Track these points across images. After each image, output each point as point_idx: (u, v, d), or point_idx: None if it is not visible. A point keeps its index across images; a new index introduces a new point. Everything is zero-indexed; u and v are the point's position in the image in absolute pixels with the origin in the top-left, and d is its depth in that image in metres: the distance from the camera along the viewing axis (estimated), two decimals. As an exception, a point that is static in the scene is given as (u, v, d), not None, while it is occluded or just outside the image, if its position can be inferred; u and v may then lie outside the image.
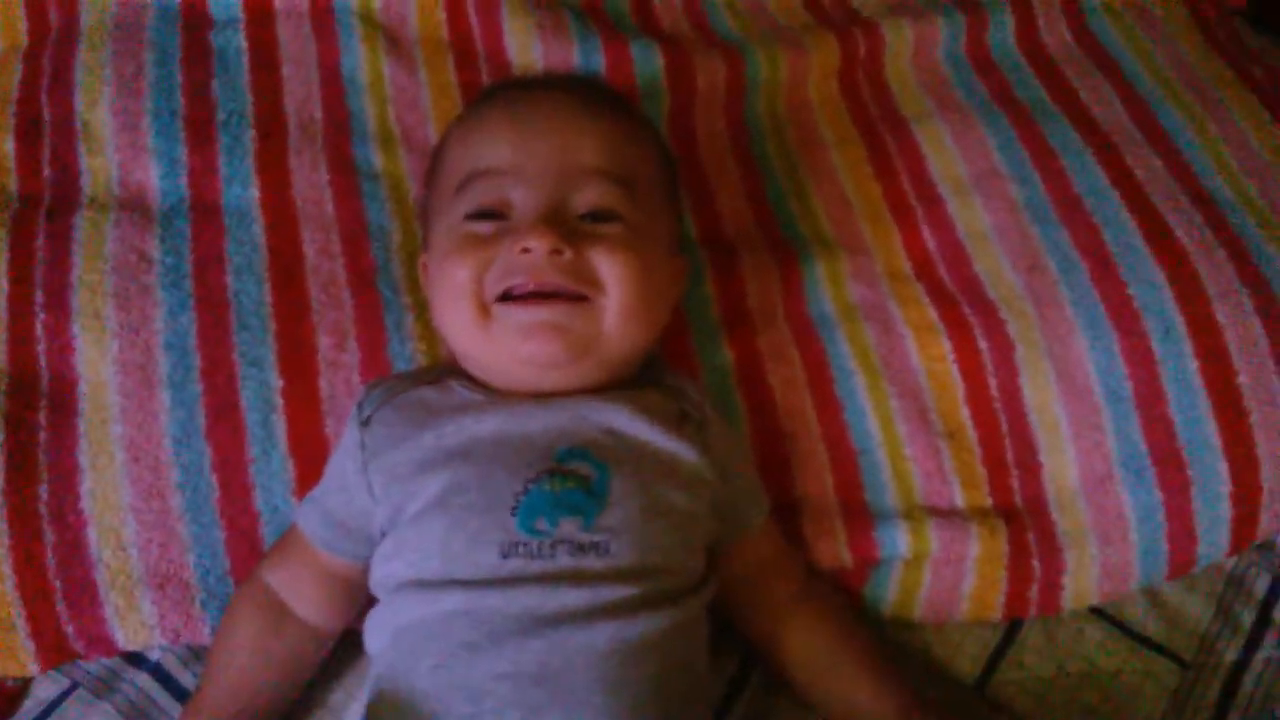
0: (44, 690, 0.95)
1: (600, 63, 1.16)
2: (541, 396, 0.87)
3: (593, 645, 0.78)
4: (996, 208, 1.11)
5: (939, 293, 1.08)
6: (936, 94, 1.22)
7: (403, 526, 0.84)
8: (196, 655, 0.97)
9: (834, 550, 0.99)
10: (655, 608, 0.81)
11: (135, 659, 0.97)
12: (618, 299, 0.85)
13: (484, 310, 0.85)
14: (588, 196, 0.87)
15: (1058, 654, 1.02)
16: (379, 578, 0.86)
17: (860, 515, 1.00)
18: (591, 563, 0.80)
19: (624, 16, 1.26)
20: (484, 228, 0.86)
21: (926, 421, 1.03)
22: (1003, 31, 1.26)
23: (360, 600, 0.91)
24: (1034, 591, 1.01)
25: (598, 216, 0.87)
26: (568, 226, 0.85)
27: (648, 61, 1.16)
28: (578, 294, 0.84)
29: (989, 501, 1.02)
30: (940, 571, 1.00)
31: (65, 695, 0.95)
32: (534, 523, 0.80)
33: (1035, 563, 1.00)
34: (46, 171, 1.07)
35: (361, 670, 0.95)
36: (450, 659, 0.79)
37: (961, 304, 1.07)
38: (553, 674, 0.77)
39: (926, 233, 1.12)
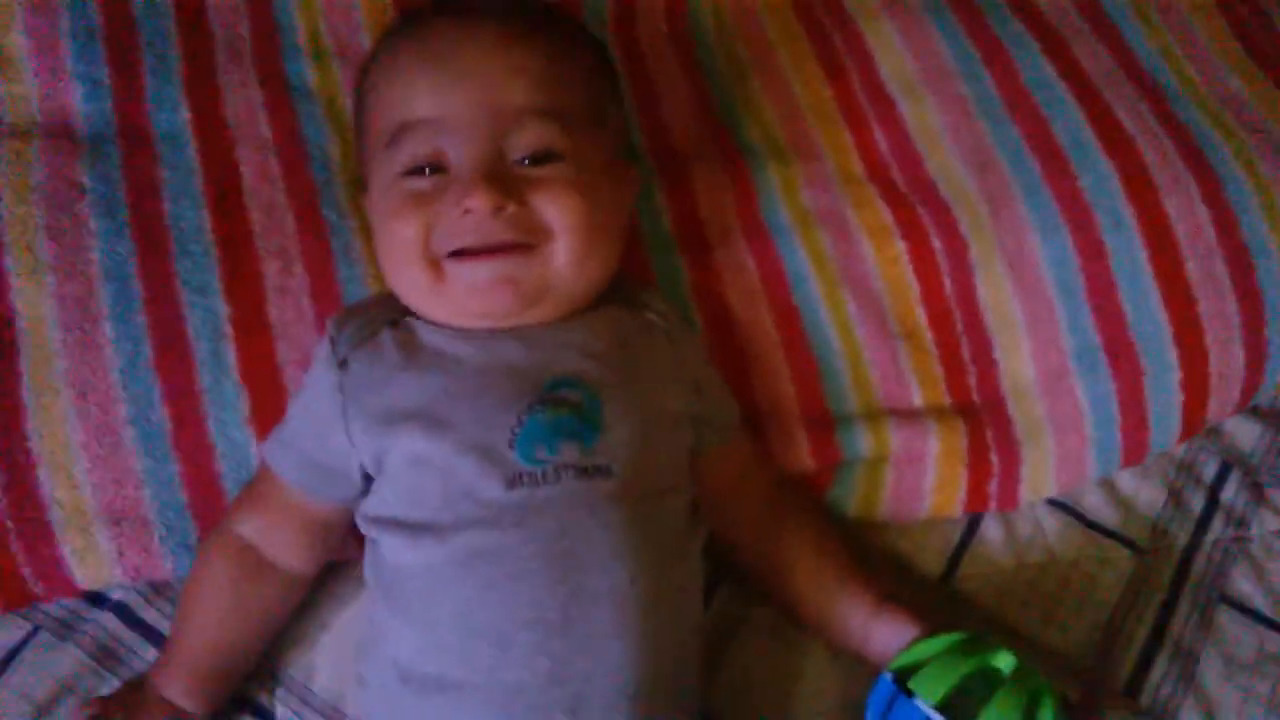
0: (4, 635, 0.93)
1: (539, -33, 1.12)
2: (515, 330, 0.85)
3: (614, 587, 0.78)
4: (947, 106, 1.10)
5: (892, 194, 1.08)
6: (883, -7, 1.20)
7: (393, 469, 0.82)
8: (158, 591, 0.95)
9: (797, 455, 1.00)
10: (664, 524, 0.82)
11: (96, 599, 0.95)
12: (567, 243, 0.83)
13: (435, 267, 0.83)
14: (524, 139, 0.83)
15: (1017, 546, 1.04)
16: (370, 516, 0.84)
17: (821, 420, 1.01)
18: (599, 485, 0.80)
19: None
20: (422, 184, 0.83)
21: (883, 324, 1.03)
22: (946, -76, 1.23)
23: (338, 539, 0.90)
24: (993, 486, 1.03)
25: (537, 158, 0.84)
26: (507, 177, 0.82)
27: (588, -35, 1.13)
28: (520, 244, 0.82)
29: (947, 400, 1.03)
30: (901, 470, 1.01)
31: (27, 640, 0.93)
32: (534, 451, 0.79)
33: (994, 458, 1.02)
34: (-40, 98, 1.02)
35: (336, 599, 0.95)
36: (470, 605, 0.78)
37: (915, 205, 1.06)
38: (577, 619, 0.77)
39: (879, 134, 1.11)
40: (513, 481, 0.79)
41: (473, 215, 0.81)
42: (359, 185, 0.98)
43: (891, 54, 1.14)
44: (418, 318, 0.88)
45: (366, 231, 0.99)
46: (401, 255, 0.84)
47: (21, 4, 1.04)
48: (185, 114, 1.02)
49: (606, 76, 0.95)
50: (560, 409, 0.81)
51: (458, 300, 0.84)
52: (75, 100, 1.02)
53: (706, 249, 1.05)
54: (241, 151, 1.01)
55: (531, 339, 0.85)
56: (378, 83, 0.89)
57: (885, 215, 1.06)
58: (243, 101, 1.03)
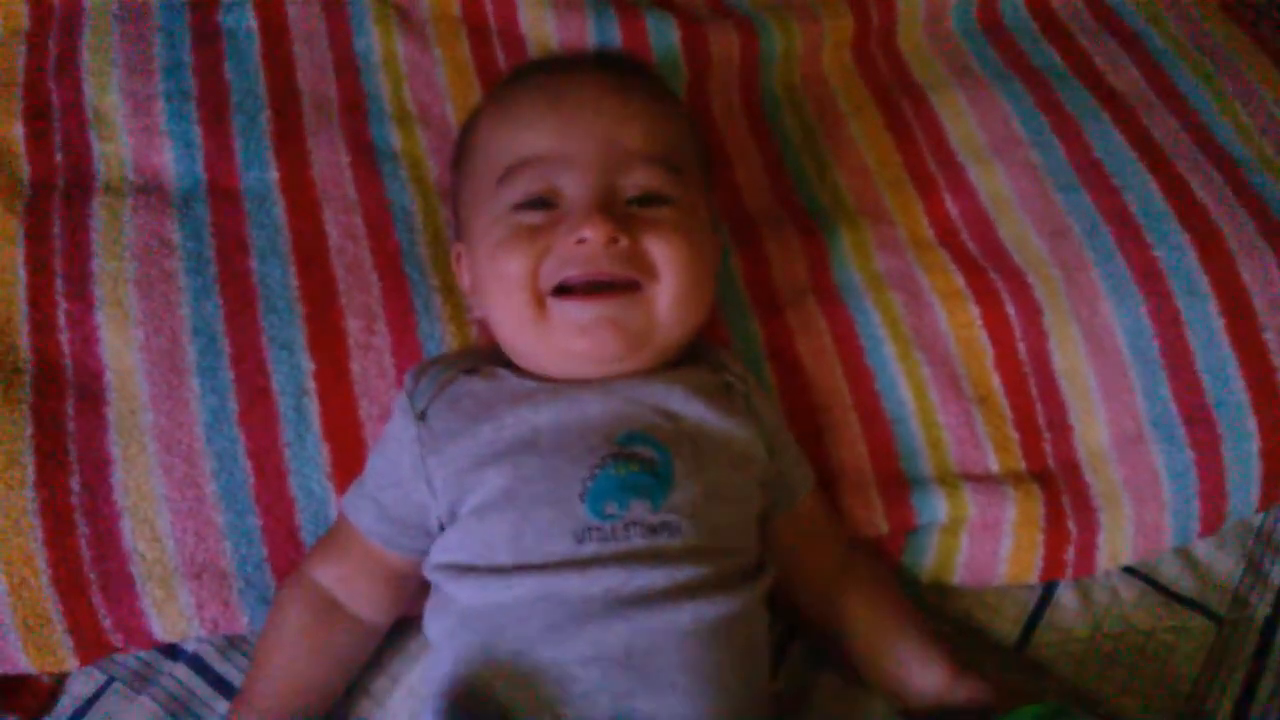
0: (80, 686, 0.94)
1: (616, 37, 1.15)
2: (593, 382, 0.86)
3: (676, 625, 0.78)
4: (1018, 174, 1.11)
5: (964, 259, 1.08)
6: (950, 61, 1.22)
7: (465, 520, 0.83)
8: (233, 645, 0.96)
9: (871, 518, 0.99)
10: (729, 588, 0.81)
11: (171, 651, 0.96)
12: (671, 284, 0.85)
13: (540, 303, 0.84)
14: (636, 180, 0.86)
15: (1094, 614, 1.02)
16: (437, 564, 0.85)
17: (896, 483, 1.00)
18: (665, 542, 0.80)
19: (635, -13, 1.25)
20: (534, 218, 0.85)
21: (958, 388, 1.03)
22: (1013, -5, 1.26)
23: (413, 591, 0.91)
24: (1070, 553, 1.02)
25: (647, 200, 0.86)
26: (621, 213, 0.84)
27: (663, 35, 1.15)
28: (632, 281, 0.84)
29: (1022, 465, 1.02)
30: (977, 536, 1.00)
31: (102, 690, 0.94)
32: (604, 507, 0.80)
33: (1071, 524, 1.01)
34: (59, 157, 1.05)
35: (406, 655, 0.95)
36: (532, 644, 0.78)
37: (987, 270, 1.07)
38: (638, 656, 0.77)
39: (949, 200, 1.12)
40: (582, 536, 0.79)
41: (586, 246, 0.82)
42: (452, 235, 0.99)
43: (961, 122, 1.16)
44: (500, 366, 0.89)
45: (447, 290, 1.01)
46: (508, 288, 0.85)
47: (119, 66, 1.07)
48: (274, 174, 1.04)
49: (700, 144, 0.98)
50: (632, 464, 0.82)
51: (560, 340, 0.85)
52: (167, 159, 1.05)
53: (779, 311, 1.06)
54: (328, 211, 1.03)
55: (611, 391, 0.86)
56: (491, 126, 0.91)
57: (958, 280, 1.07)
58: (330, 163, 1.06)
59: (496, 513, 0.81)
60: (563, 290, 0.84)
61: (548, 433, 0.84)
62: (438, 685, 0.82)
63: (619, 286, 0.84)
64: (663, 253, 0.84)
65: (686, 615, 0.78)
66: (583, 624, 0.77)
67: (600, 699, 0.76)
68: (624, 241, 0.83)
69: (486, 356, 0.93)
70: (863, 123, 1.19)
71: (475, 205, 0.90)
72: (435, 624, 0.85)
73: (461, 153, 0.96)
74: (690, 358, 0.92)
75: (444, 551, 0.85)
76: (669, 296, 0.85)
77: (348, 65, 1.13)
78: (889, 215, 1.12)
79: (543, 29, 1.16)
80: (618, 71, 0.93)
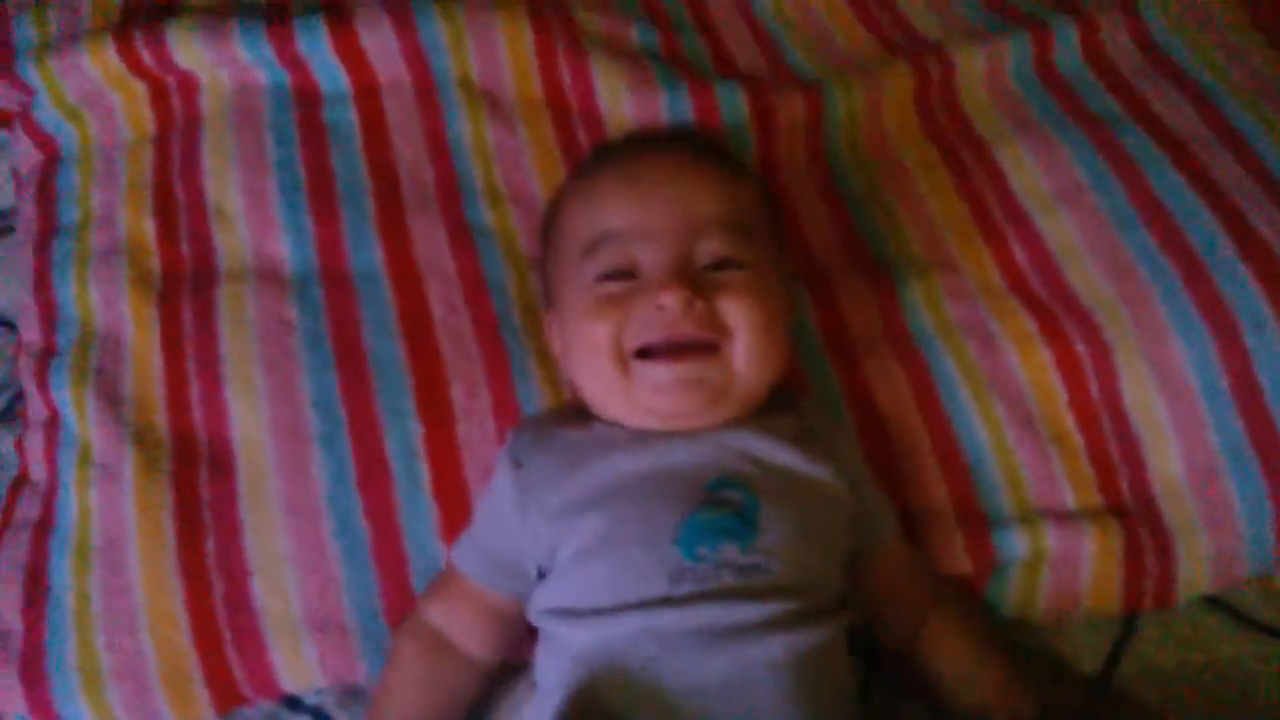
0: (213, 736, 1.01)
1: (688, 109, 1.21)
2: (681, 432, 0.92)
3: (770, 658, 0.83)
4: (1082, 219, 1.15)
5: (1035, 305, 1.12)
6: (1011, 113, 1.26)
7: (564, 564, 0.89)
8: (351, 695, 1.02)
9: (953, 556, 1.03)
10: (818, 622, 0.86)
11: (292, 703, 1.02)
12: (746, 341, 0.91)
13: (624, 366, 0.91)
14: (710, 247, 0.92)
15: (1177, 646, 1.04)
16: (542, 610, 0.91)
17: (976, 522, 1.04)
18: (755, 581, 0.85)
19: (702, 58, 1.32)
20: (616, 288, 0.92)
21: (1033, 428, 1.07)
22: (1068, 47, 1.29)
23: (516, 633, 0.97)
24: (1149, 585, 1.04)
25: (721, 265, 0.92)
26: (696, 279, 0.90)
27: (733, 105, 1.22)
28: (710, 342, 0.90)
29: (1099, 500, 1.06)
30: (1058, 571, 1.03)
31: (233, 740, 1.01)
32: (697, 549, 0.85)
33: (1148, 556, 1.04)
34: (185, 250, 1.15)
35: (512, 701, 1.00)
36: (632, 676, 0.83)
37: (1058, 314, 1.11)
38: (735, 687, 0.81)
39: (1017, 249, 1.16)
40: (676, 577, 0.85)
41: (664, 311, 0.89)
42: (543, 304, 1.07)
43: (1024, 172, 1.20)
44: (594, 420, 0.96)
45: (541, 355, 1.08)
46: (594, 353, 0.92)
47: (236, 165, 1.18)
48: (379, 255, 1.13)
49: (770, 206, 1.04)
50: (721, 509, 0.87)
51: (643, 399, 0.91)
52: (283, 247, 1.15)
53: (855, 360, 1.11)
54: (430, 287, 1.11)
55: (700, 440, 0.91)
56: (574, 204, 0.99)
57: (1029, 324, 1.10)
58: (430, 242, 1.14)
59: (595, 557, 0.87)
60: (645, 353, 0.90)
61: (641, 479, 0.90)
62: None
63: (697, 347, 0.90)
64: (736, 312, 0.90)
65: (779, 648, 0.83)
66: (683, 657, 0.82)
67: None
68: (699, 305, 0.89)
69: (578, 413, 0.99)
70: (928, 177, 1.23)
71: (563, 277, 0.98)
72: (549, 668, 0.90)
73: (549, 229, 1.04)
74: (773, 406, 0.97)
75: (549, 597, 0.90)
76: (744, 353, 0.91)
77: (442, 152, 1.21)
78: (957, 265, 1.17)
79: (619, 107, 1.23)
80: (689, 147, 1.00)
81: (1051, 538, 1.03)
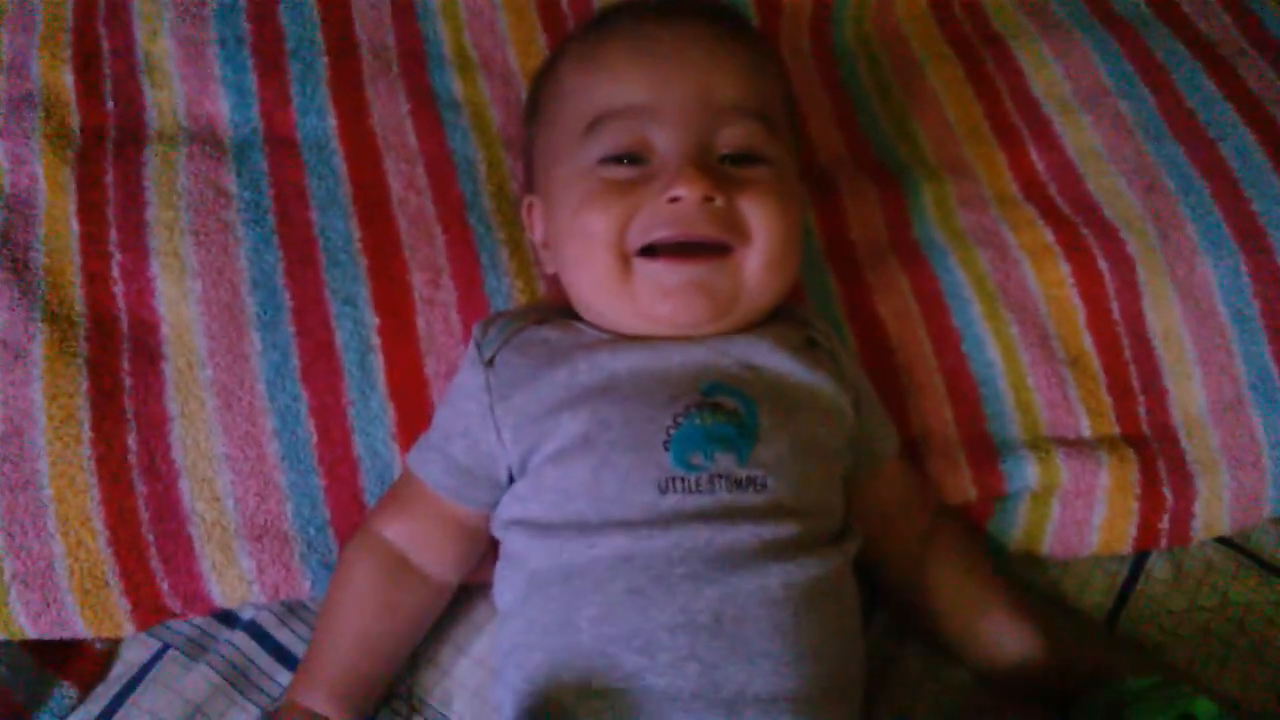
0: (133, 653, 0.91)
1: (684, -21, 1.10)
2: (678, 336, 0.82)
3: (766, 590, 0.74)
4: (1106, 126, 1.06)
5: (1053, 214, 1.03)
6: (1030, 9, 1.17)
7: (540, 468, 0.79)
8: (293, 612, 0.92)
9: (958, 484, 0.95)
10: (817, 550, 0.78)
11: (227, 617, 0.93)
12: (764, 248, 0.80)
13: (624, 263, 0.80)
14: (731, 136, 0.81)
15: (1188, 587, 0.98)
16: (509, 520, 0.81)
17: (984, 448, 0.96)
18: (751, 499, 0.76)
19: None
20: (623, 172, 0.80)
21: (1048, 349, 0.99)
22: (1094, -59, 1.20)
23: (482, 549, 0.87)
24: (1165, 522, 0.97)
25: (741, 158, 0.81)
26: (716, 171, 0.79)
27: (734, -21, 1.10)
28: (723, 244, 0.79)
29: (1116, 430, 0.98)
30: (1070, 503, 0.96)
31: (157, 657, 0.90)
32: (689, 457, 0.76)
33: (1166, 492, 0.96)
34: (110, 105, 1.01)
35: (471, 624, 0.91)
36: (614, 608, 0.74)
37: (1078, 225, 1.02)
38: (728, 623, 0.73)
39: (1034, 153, 1.07)
40: (665, 486, 0.76)
41: (679, 205, 0.78)
42: (521, 186, 0.95)
43: (1044, 71, 1.11)
44: (576, 322, 0.85)
45: (514, 244, 0.97)
46: (591, 246, 0.80)
47: (170, 11, 1.03)
48: (332, 122, 1.00)
49: (790, 95, 0.93)
50: (718, 414, 0.78)
51: (643, 302, 0.80)
52: (222, 107, 1.01)
53: (858, 269, 1.02)
54: (389, 161, 0.99)
55: (695, 342, 0.82)
56: (575, 73, 0.86)
57: (1047, 236, 1.02)
58: (389, 111, 1.02)
59: (573, 459, 0.78)
60: (648, 250, 0.80)
61: (627, 378, 0.80)
62: (512, 658, 0.79)
63: (708, 249, 0.79)
64: (757, 215, 0.80)
65: (776, 579, 0.74)
66: (669, 588, 0.74)
67: (688, 667, 0.72)
68: (719, 201, 0.78)
69: (557, 312, 0.89)
70: (940, 73, 1.14)
71: (556, 156, 0.86)
72: (506, 589, 0.81)
73: (539, 100, 0.91)
74: (774, 314, 0.87)
75: (516, 503, 0.81)
76: (760, 261, 0.80)
77: (405, 9, 1.08)
78: (970, 169, 1.07)
79: (607, -26, 1.11)
80: (713, 20, 0.87)
81: (1064, 468, 0.95)
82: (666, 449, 0.76)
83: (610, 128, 0.81)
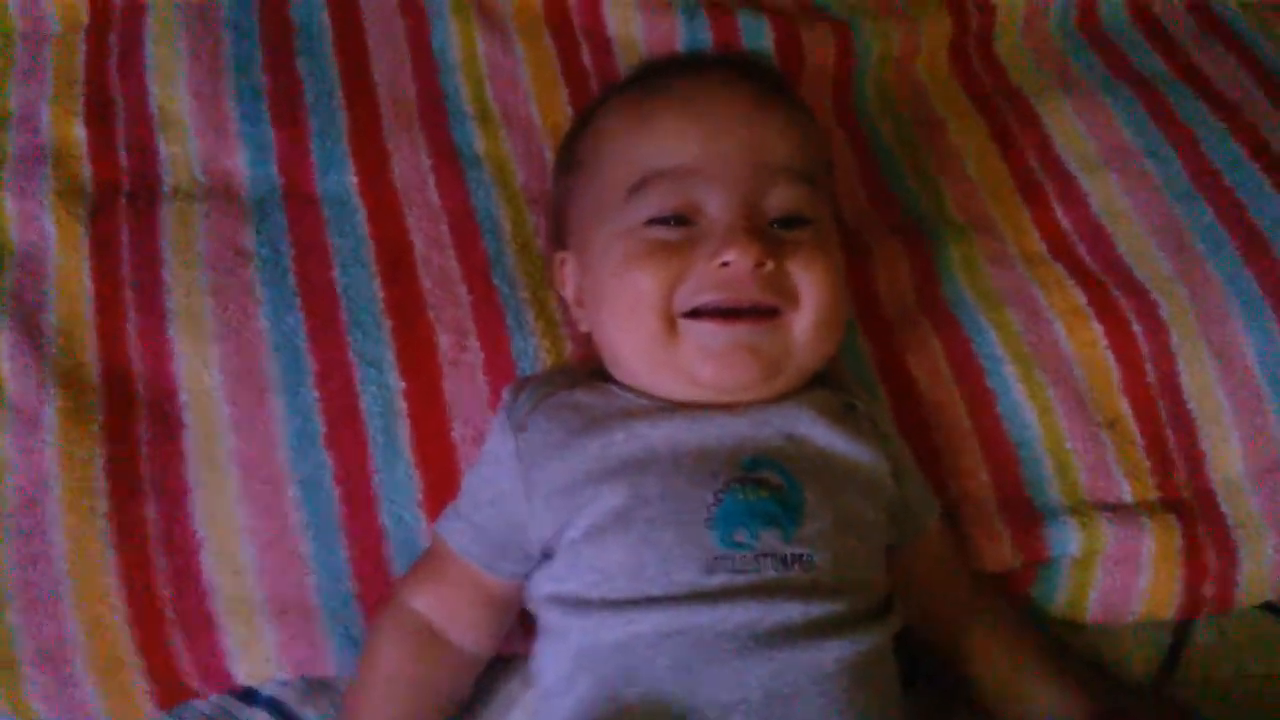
0: (149, 736, 0.86)
1: (707, 38, 1.08)
2: (714, 404, 0.79)
3: (819, 666, 0.71)
4: (1132, 184, 1.05)
5: (1082, 274, 1.02)
6: (1052, 67, 1.17)
7: (575, 544, 0.76)
8: (315, 688, 0.87)
9: (999, 551, 0.92)
10: (866, 627, 0.75)
11: (246, 694, 0.87)
12: (813, 311, 0.78)
13: (670, 325, 0.77)
14: (780, 199, 0.79)
15: (1234, 654, 0.95)
16: (545, 597, 0.78)
17: (1024, 513, 0.93)
18: (798, 576, 0.73)
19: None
20: (671, 234, 0.78)
21: (1085, 412, 0.97)
22: (1112, 1, 1.20)
23: (513, 619, 0.83)
24: (1209, 588, 0.94)
25: (788, 221, 0.79)
26: (767, 235, 0.77)
27: (756, 36, 1.09)
28: (770, 308, 0.77)
29: (1156, 494, 0.96)
30: (1113, 570, 0.93)
31: (176, 738, 0.85)
32: (734, 535, 0.73)
33: (1210, 557, 0.94)
34: (123, 159, 0.97)
35: (507, 697, 0.87)
36: (661, 686, 0.70)
37: (1109, 286, 1.01)
38: (779, 701, 0.70)
39: (1059, 211, 1.06)
40: (710, 566, 0.72)
41: (729, 270, 0.76)
42: (552, 245, 0.93)
43: (1068, 130, 1.10)
44: (612, 385, 0.83)
45: (538, 304, 0.94)
46: (636, 307, 0.78)
47: (184, 61, 1.00)
48: (352, 178, 0.98)
49: (829, 151, 0.91)
50: (761, 490, 0.75)
51: (689, 364, 0.78)
52: (239, 162, 0.98)
53: (887, 329, 1.00)
54: (411, 218, 0.96)
55: (734, 413, 0.79)
56: (619, 131, 0.84)
57: (1077, 296, 1.00)
58: (411, 166, 0.99)
59: (612, 536, 0.74)
60: (694, 312, 0.77)
61: (666, 450, 0.77)
62: None
63: (757, 312, 0.77)
64: (806, 279, 0.78)
65: (829, 655, 0.71)
66: (718, 664, 0.70)
67: None
68: (770, 266, 0.76)
69: (588, 374, 0.86)
70: (963, 130, 1.13)
71: (598, 214, 0.83)
72: (550, 666, 0.77)
73: (576, 153, 0.89)
74: (814, 380, 0.85)
75: (553, 581, 0.77)
76: (808, 323, 0.78)
77: (425, 63, 1.05)
78: (996, 227, 1.06)
79: (628, 29, 1.09)
80: (758, 79, 0.86)
81: (1108, 533, 0.92)
82: (710, 527, 0.73)
83: (658, 188, 0.79)
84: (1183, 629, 0.96)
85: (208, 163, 0.98)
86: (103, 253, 0.91)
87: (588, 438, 0.78)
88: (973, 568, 0.91)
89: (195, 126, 0.99)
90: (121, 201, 0.95)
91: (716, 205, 0.78)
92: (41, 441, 0.84)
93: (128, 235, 0.92)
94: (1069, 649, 0.94)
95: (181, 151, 0.98)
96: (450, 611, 0.81)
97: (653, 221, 0.79)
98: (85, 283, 0.90)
